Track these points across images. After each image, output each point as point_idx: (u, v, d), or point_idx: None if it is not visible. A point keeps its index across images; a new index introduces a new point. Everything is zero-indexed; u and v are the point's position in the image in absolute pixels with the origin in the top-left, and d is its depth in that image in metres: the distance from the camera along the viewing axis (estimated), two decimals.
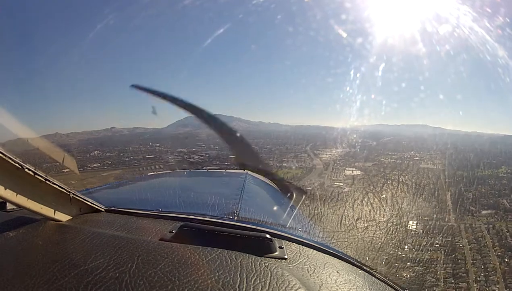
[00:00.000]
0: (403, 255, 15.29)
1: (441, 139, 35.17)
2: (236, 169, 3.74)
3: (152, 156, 32.69)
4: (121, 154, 34.17)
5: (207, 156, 30.44)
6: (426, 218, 18.45)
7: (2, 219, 1.36)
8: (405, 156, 30.19)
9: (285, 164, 28.53)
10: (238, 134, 3.20)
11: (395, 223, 16.52)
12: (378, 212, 16.67)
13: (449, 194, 21.80)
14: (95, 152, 34.59)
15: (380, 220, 16.00)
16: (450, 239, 17.41)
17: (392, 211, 17.42)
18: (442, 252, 16.37)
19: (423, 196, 20.45)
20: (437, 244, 16.85)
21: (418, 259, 15.43)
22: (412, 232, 16.93)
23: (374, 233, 14.81)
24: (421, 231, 17.33)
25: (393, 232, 15.86)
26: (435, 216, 18.81)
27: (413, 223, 17.53)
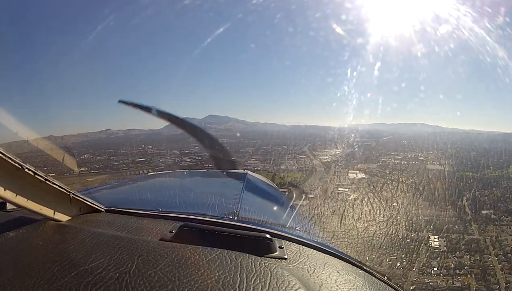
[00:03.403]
0: (431, 283, 11.73)
1: (442, 138, 31.83)
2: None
3: (143, 159, 29.03)
4: (111, 157, 30.50)
5: (199, 158, 26.79)
6: (448, 231, 14.96)
7: (2, 219, 1.27)
8: (409, 156, 26.63)
9: (283, 167, 24.91)
10: (212, 137, 3.15)
11: (415, 239, 13.07)
12: (392, 225, 13.26)
13: (465, 199, 18.32)
14: (85, 155, 31.08)
15: (398, 237, 12.59)
16: (478, 257, 13.87)
17: (409, 224, 13.93)
18: (473, 276, 12.87)
19: (438, 202, 16.87)
20: (465, 265, 13.33)
21: (448, 287, 11.90)
22: (436, 251, 13.40)
23: (393, 255, 11.40)
24: (445, 248, 13.79)
25: (416, 252, 12.43)
26: (456, 227, 15.33)
27: (434, 238, 14.00)
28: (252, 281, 0.88)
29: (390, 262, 10.53)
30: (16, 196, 1.05)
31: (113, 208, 1.57)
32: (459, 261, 13.39)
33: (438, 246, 13.80)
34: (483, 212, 17.42)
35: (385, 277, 1.37)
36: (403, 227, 13.26)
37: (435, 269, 12.60)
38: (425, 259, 12.57)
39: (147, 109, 2.58)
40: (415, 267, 11.60)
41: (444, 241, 14.28)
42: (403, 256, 11.74)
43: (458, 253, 13.83)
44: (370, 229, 12.66)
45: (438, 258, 13.13)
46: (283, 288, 0.87)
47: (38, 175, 1.10)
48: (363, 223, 13.04)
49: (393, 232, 12.70)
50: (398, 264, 11.00)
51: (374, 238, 11.84)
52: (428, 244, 13.51)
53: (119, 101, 2.58)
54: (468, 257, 13.85)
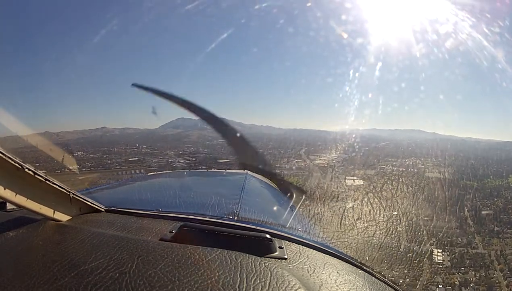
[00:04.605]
0: None
1: (439, 145, 31.00)
2: (237, 169, 3.49)
3: (136, 158, 27.82)
4: (105, 156, 29.30)
5: (194, 159, 25.71)
6: (451, 244, 13.87)
7: (2, 219, 1.26)
8: (407, 163, 25.59)
9: (278, 171, 23.79)
10: (238, 134, 2.91)
11: (418, 253, 12.00)
12: (394, 237, 12.19)
13: (467, 210, 17.27)
14: (79, 153, 29.85)
15: (399, 250, 11.51)
16: (483, 273, 12.80)
17: (411, 235, 12.85)
18: None
19: (440, 213, 15.78)
20: (471, 282, 12.24)
21: None
22: (440, 266, 12.31)
23: (395, 270, 10.32)
24: (449, 263, 12.72)
25: (419, 267, 11.37)
26: (460, 240, 14.26)
27: (438, 252, 12.91)
28: (252, 281, 0.86)
29: (393, 278, 9.39)
30: (16, 195, 1.03)
31: (113, 208, 1.53)
32: (464, 277, 12.32)
33: (442, 261, 12.72)
34: (486, 223, 16.40)
35: (385, 277, 1.31)
36: (405, 239, 12.16)
37: (440, 286, 11.53)
38: (429, 275, 11.51)
39: (162, 94, 2.29)
40: (419, 284, 10.55)
41: (448, 255, 13.22)
42: (406, 271, 10.66)
43: (463, 268, 12.76)
44: (371, 240, 11.55)
45: (443, 274, 12.06)
46: (283, 288, 0.85)
47: (38, 175, 1.08)
48: (363, 224, 12.04)
49: (395, 244, 11.59)
50: (401, 281, 9.92)
51: (374, 248, 10.76)
52: (431, 259, 12.44)
53: (133, 84, 2.34)
54: (473, 273, 12.75)
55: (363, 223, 12.94)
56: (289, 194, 3.10)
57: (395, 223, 13.54)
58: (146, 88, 2.43)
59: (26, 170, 1.02)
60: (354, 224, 12.25)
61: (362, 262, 1.32)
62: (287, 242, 1.27)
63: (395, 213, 14.92)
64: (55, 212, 1.21)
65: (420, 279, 10.99)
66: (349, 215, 13.71)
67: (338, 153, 25.47)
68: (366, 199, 15.16)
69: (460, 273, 12.49)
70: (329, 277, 1.04)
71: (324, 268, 1.10)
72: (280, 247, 1.17)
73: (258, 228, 1.36)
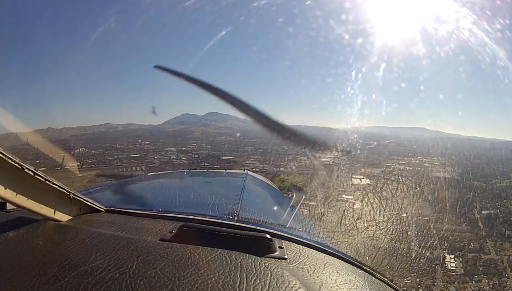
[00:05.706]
0: None
1: (443, 144, 30.24)
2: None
3: (138, 155, 27.23)
4: (106, 152, 28.70)
5: (196, 156, 25.08)
6: (463, 249, 13.24)
7: (2, 219, 1.24)
8: (413, 162, 24.92)
9: (283, 169, 23.10)
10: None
11: (430, 259, 11.38)
12: (404, 241, 11.58)
13: (477, 212, 16.60)
14: (80, 149, 29.30)
15: (410, 256, 10.90)
16: (496, 281, 12.18)
17: (422, 240, 12.23)
18: None
19: (450, 215, 15.14)
20: (484, 290, 11.65)
21: None
22: (453, 274, 11.69)
23: (407, 278, 9.72)
24: (462, 270, 12.10)
25: (431, 275, 10.76)
26: (472, 245, 13.63)
27: (450, 258, 12.28)
28: (252, 281, 0.85)
29: (406, 288, 8.79)
30: (16, 195, 1.01)
31: (113, 208, 1.51)
32: (478, 286, 11.70)
33: (454, 268, 12.10)
34: (496, 227, 15.74)
35: (385, 277, 1.29)
36: (416, 244, 11.53)
37: None
38: (442, 284, 10.91)
39: (184, 77, 2.23)
40: None
41: (461, 261, 12.59)
42: (418, 279, 10.05)
43: (476, 276, 12.13)
44: (380, 244, 10.92)
45: (456, 282, 11.45)
46: (283, 288, 0.84)
47: (38, 175, 1.07)
48: (366, 225, 11.45)
49: (406, 249, 10.97)
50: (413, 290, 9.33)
51: (383, 254, 10.13)
52: (444, 266, 11.81)
53: (155, 66, 2.27)
54: (486, 281, 12.12)
55: (364, 222, 12.36)
56: (289, 194, 3.04)
57: (404, 227, 12.91)
58: (169, 71, 2.36)
59: (26, 170, 1.01)
60: (355, 224, 11.72)
61: (362, 262, 1.29)
62: (287, 242, 1.26)
63: (404, 215, 14.28)
64: (55, 212, 1.20)
65: (433, 288, 10.40)
66: (349, 215, 13.13)
67: (343, 150, 24.77)
68: (368, 199, 14.52)
69: (474, 281, 11.87)
70: (329, 277, 1.02)
71: (324, 268, 1.08)
72: (280, 247, 1.15)
73: (258, 228, 1.34)
